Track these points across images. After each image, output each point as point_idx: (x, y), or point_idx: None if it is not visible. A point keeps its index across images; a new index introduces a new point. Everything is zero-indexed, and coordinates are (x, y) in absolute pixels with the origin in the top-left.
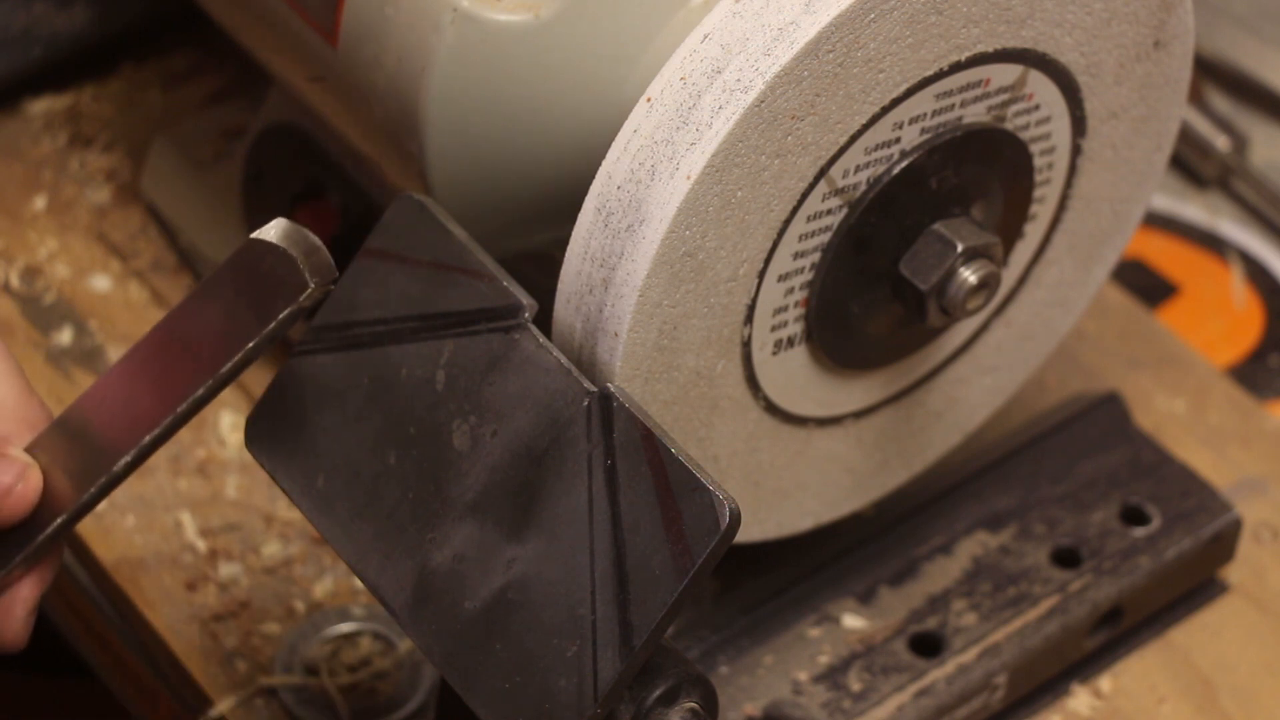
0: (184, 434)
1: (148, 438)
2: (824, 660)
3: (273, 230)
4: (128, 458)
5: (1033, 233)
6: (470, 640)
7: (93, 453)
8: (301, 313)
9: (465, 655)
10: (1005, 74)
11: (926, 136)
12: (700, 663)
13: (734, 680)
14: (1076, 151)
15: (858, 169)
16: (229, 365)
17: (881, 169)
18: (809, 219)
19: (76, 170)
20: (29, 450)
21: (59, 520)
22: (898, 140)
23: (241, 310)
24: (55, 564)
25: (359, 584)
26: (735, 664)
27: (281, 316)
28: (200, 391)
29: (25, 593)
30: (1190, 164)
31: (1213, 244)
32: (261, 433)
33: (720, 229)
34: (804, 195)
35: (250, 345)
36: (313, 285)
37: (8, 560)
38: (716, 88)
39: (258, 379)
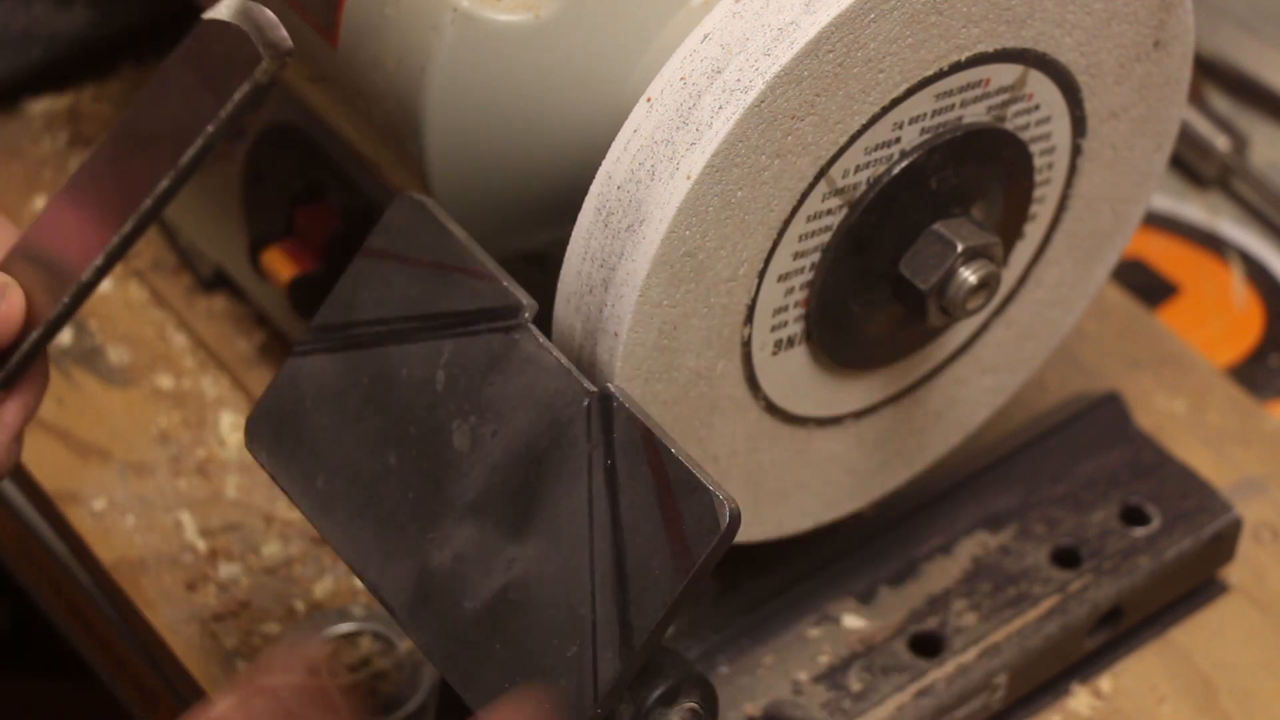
0: (184, 434)
1: (115, 238)
2: (824, 660)
3: (224, 8)
4: (98, 261)
5: (1033, 233)
6: (470, 640)
7: (63, 264)
8: (260, 91)
9: (465, 655)
10: (1005, 74)
11: (926, 136)
12: (700, 663)
13: (734, 680)
14: (1076, 151)
15: (858, 169)
16: (190, 153)
17: (881, 169)
18: (809, 219)
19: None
20: None
21: (34, 335)
22: (898, 140)
23: (199, 96)
24: (40, 386)
25: (359, 584)
26: (735, 664)
27: (237, 96)
28: (164, 184)
29: (9, 417)
30: (1190, 164)
31: (1213, 244)
32: (261, 433)
33: (720, 229)
34: (804, 195)
35: (209, 130)
36: (266, 59)
37: None
38: (716, 88)
39: (257, 379)
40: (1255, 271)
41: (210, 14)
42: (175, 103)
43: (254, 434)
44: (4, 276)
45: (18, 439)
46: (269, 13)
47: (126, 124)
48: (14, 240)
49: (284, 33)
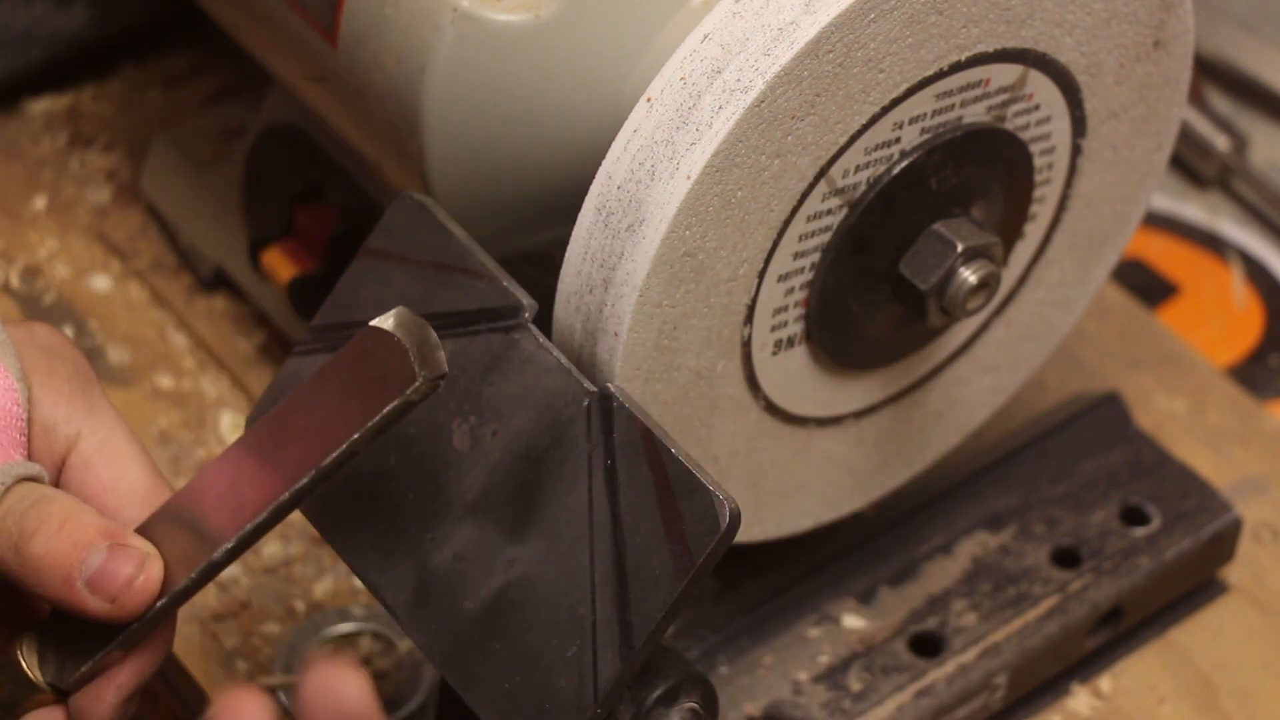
0: (184, 434)
1: (249, 526)
2: (824, 660)
3: (390, 319)
4: (229, 544)
5: (1033, 233)
6: (470, 640)
7: (198, 538)
8: (409, 407)
9: (465, 655)
10: (1005, 74)
11: (926, 136)
12: (700, 663)
13: (734, 680)
14: (1076, 151)
15: (858, 169)
16: (329, 460)
17: (881, 169)
18: (809, 219)
19: (76, 170)
20: (139, 533)
21: (160, 603)
22: (898, 140)
23: (351, 399)
24: (160, 651)
25: (359, 584)
26: (735, 664)
27: (386, 410)
28: (302, 482)
29: (121, 678)
30: (1190, 164)
31: (1213, 244)
32: None
33: (720, 229)
34: (804, 195)
35: (353, 438)
36: (420, 379)
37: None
38: (716, 88)
39: (257, 379)
40: (1255, 271)
41: (377, 322)
42: (328, 401)
43: None
44: (148, 546)
45: (128, 701)
46: (432, 332)
47: (286, 406)
48: (151, 481)
49: (442, 355)
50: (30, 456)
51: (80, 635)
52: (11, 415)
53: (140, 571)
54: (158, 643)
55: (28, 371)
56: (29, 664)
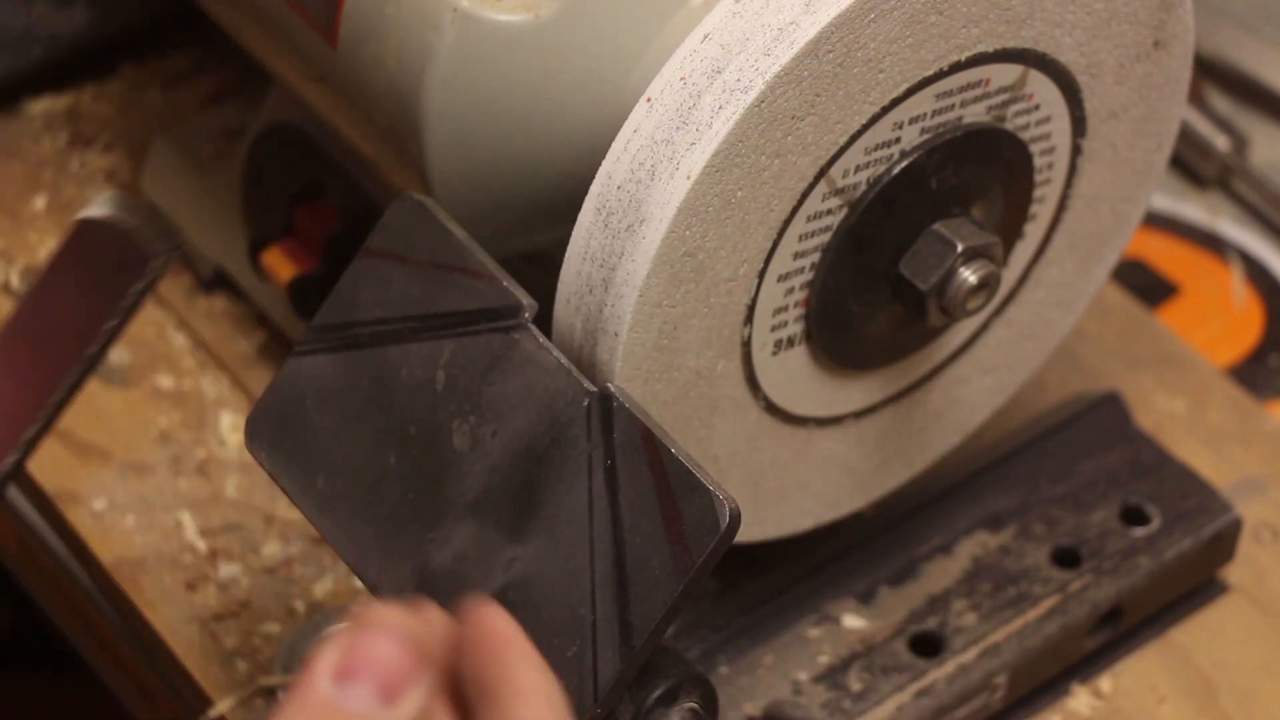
0: (184, 434)
1: (30, 431)
2: (824, 660)
3: (103, 207)
4: (15, 455)
5: (1033, 233)
6: None
7: None
8: (155, 284)
9: None
10: (1005, 74)
11: (926, 136)
12: (700, 663)
13: (734, 680)
14: (1076, 151)
15: (858, 169)
16: (94, 348)
17: (881, 169)
18: (809, 219)
19: (76, 170)
20: None
21: None
22: (898, 140)
23: (92, 294)
24: None
25: (359, 584)
26: (735, 664)
27: (134, 290)
28: (73, 377)
29: None
30: (1190, 164)
31: (1213, 244)
32: (261, 433)
33: (720, 229)
34: (804, 195)
35: (112, 324)
36: (159, 258)
37: None
38: (716, 88)
39: (257, 379)
40: (1255, 271)
41: (86, 214)
42: (68, 301)
43: (254, 434)
44: None
45: None
46: (144, 204)
47: (18, 320)
48: None
49: (167, 222)
50: None
51: None
52: None
53: None
54: None
55: None
56: None
